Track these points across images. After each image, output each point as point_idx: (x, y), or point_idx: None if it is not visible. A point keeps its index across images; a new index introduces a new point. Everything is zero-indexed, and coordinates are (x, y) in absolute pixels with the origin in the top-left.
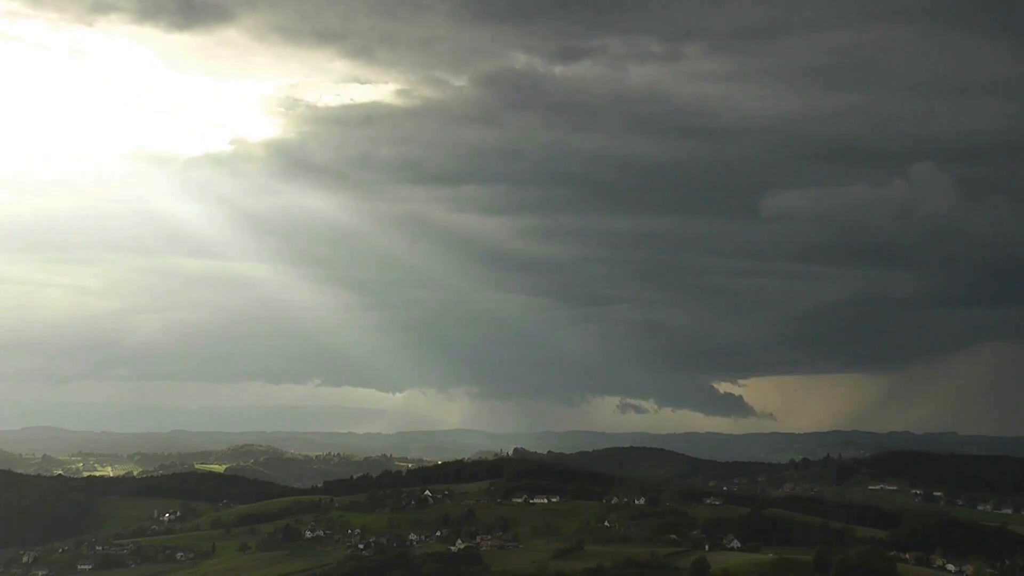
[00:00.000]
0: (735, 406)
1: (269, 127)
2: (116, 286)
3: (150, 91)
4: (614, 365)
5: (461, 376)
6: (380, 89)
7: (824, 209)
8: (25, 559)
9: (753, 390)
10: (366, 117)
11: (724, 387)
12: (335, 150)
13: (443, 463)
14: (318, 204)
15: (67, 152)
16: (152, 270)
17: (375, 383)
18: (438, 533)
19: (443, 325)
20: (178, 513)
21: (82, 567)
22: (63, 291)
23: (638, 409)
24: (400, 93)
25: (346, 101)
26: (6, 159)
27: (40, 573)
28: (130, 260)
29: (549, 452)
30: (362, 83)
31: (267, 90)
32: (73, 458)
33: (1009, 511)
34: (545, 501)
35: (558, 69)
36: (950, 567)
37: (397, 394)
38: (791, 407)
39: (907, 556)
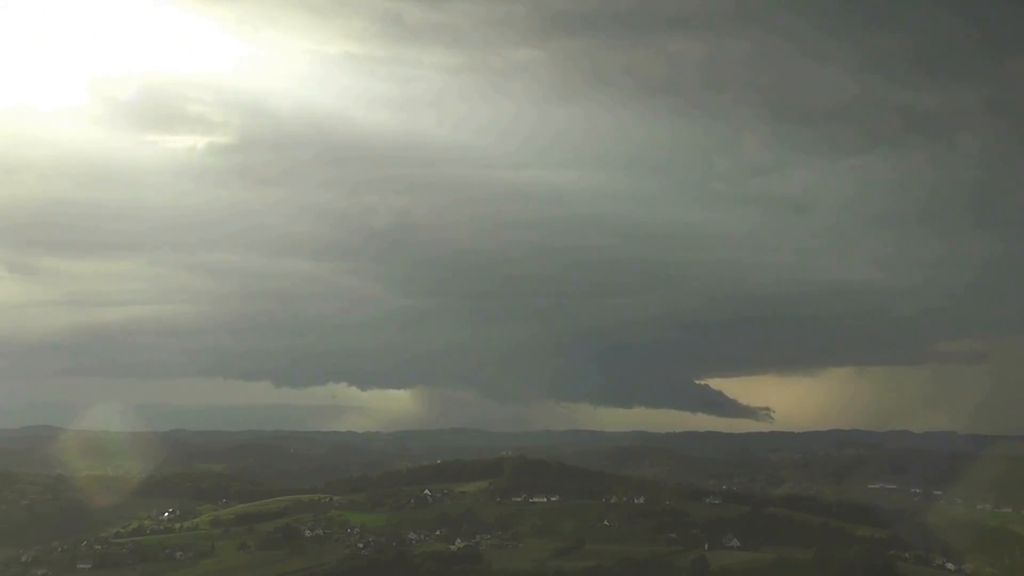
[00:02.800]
0: (734, 405)
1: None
2: (116, 280)
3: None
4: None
5: (463, 375)
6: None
7: None
8: (24, 558)
9: (752, 388)
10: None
11: (721, 385)
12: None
13: (443, 463)
14: (342, 190)
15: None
16: (153, 263)
17: (376, 381)
18: (437, 532)
19: (450, 323)
20: (177, 512)
21: (81, 566)
22: (64, 286)
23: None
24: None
25: (397, 74)
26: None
27: (39, 572)
28: (130, 253)
29: (549, 452)
30: (409, 58)
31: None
32: (73, 457)
33: (1009, 510)
34: (544, 500)
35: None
36: (950, 566)
37: (398, 392)
38: (790, 405)
39: (907, 555)
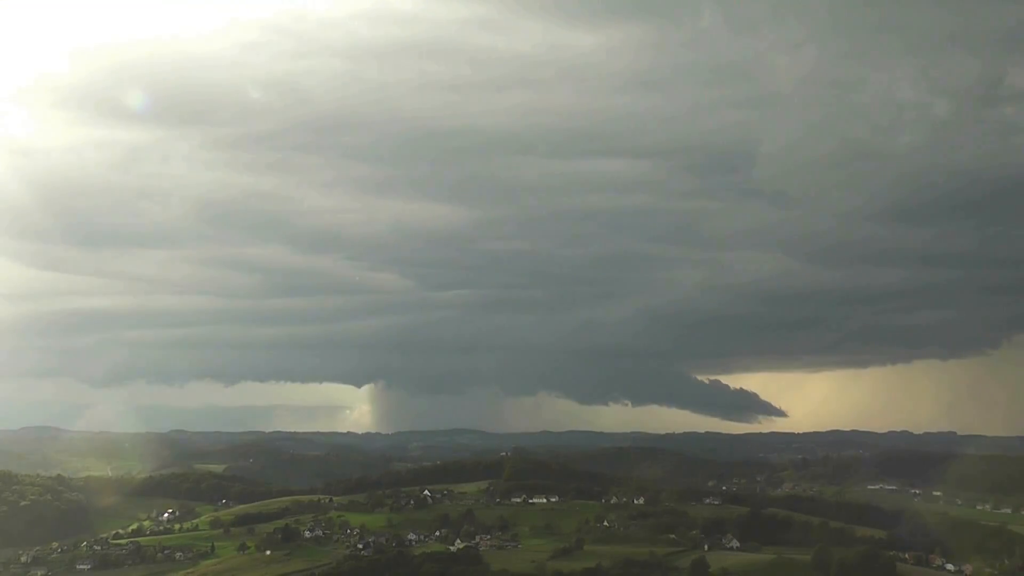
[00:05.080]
0: (734, 404)
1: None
2: (118, 277)
3: None
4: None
5: (463, 375)
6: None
7: None
8: (24, 558)
9: (751, 387)
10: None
11: (721, 382)
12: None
13: (442, 463)
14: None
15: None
16: (148, 260)
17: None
18: (437, 533)
19: (453, 320)
20: (177, 513)
21: (81, 567)
22: (64, 284)
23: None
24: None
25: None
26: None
27: (39, 573)
28: (124, 249)
29: (549, 452)
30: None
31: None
32: (73, 458)
33: (1008, 511)
34: (544, 501)
35: None
36: (949, 567)
37: (401, 392)
38: (789, 405)
39: (906, 556)
